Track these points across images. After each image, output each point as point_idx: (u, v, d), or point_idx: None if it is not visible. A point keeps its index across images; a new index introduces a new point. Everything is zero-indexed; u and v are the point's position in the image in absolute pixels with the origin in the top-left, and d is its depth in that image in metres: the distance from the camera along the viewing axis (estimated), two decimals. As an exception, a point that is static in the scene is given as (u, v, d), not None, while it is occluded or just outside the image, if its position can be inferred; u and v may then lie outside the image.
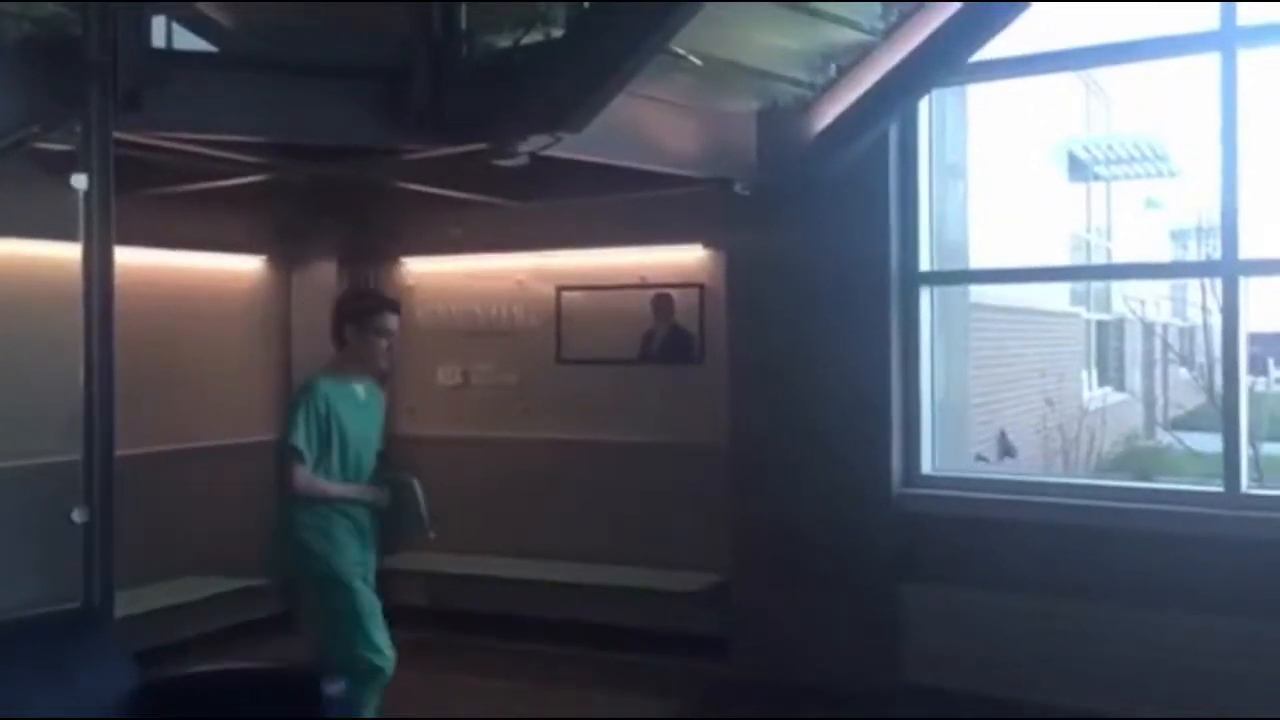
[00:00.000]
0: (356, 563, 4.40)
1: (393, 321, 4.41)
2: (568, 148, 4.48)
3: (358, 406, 4.43)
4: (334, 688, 3.53)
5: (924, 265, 5.56)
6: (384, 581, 6.83)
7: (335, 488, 4.34)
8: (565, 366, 6.53)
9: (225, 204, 5.94)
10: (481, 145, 4.45)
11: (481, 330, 6.76)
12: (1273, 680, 4.53)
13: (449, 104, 4.23)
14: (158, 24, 4.23)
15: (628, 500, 6.24)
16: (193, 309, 6.30)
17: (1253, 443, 5.17)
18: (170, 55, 4.29)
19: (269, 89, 4.20)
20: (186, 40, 4.50)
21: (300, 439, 4.25)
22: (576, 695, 5.67)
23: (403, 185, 5.79)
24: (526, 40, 4.31)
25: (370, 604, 4.38)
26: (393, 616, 6.33)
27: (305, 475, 4.27)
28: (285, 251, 6.79)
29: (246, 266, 6.70)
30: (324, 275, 6.82)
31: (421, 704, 5.56)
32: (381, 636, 4.37)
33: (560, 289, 6.55)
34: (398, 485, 4.50)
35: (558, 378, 6.55)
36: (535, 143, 4.42)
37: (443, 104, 4.17)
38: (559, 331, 6.55)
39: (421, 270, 6.98)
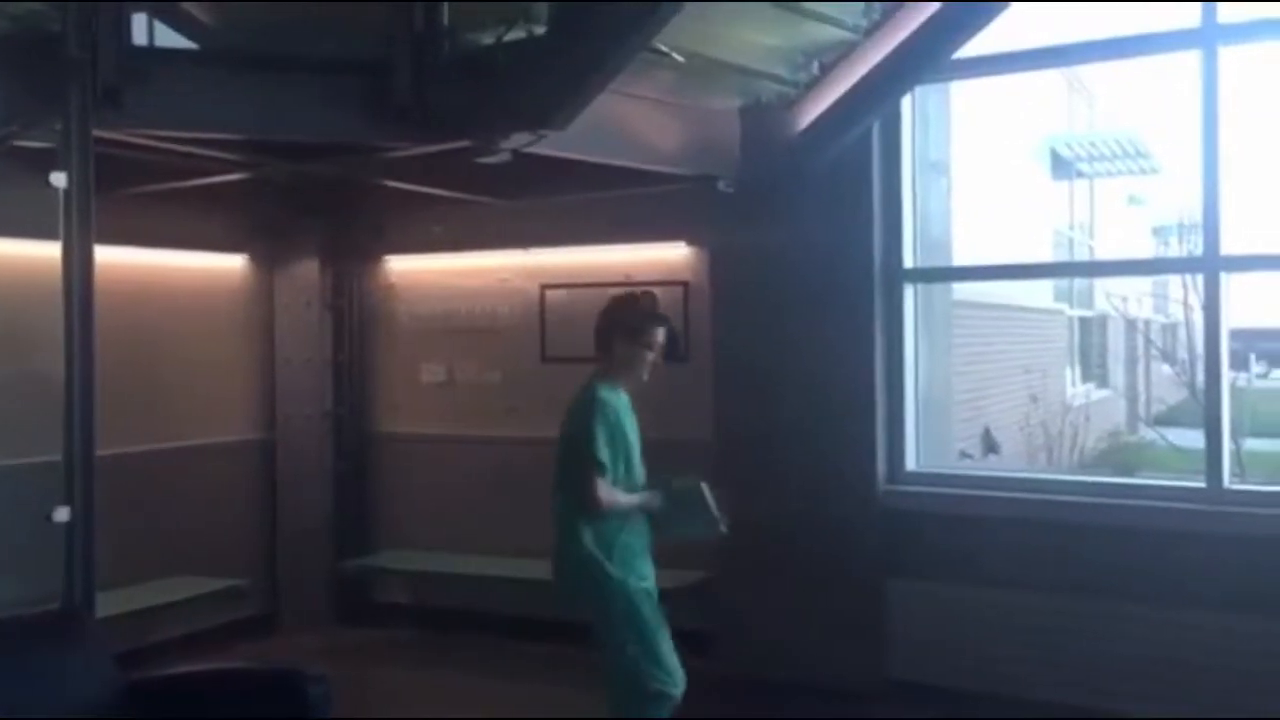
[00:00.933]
0: (643, 577, 4.20)
1: (661, 335, 4.28)
2: (551, 145, 4.48)
3: (630, 415, 4.31)
4: (318, 689, 3.51)
5: (908, 262, 5.57)
6: (366, 580, 6.89)
7: (630, 498, 4.18)
8: (549, 365, 6.52)
9: (206, 202, 5.92)
10: (464, 142, 4.44)
11: (465, 328, 6.74)
12: (1253, 674, 4.56)
13: (431, 101, 4.22)
14: (138, 21, 4.21)
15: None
16: (174, 308, 6.27)
17: (1234, 438, 5.18)
18: (151, 52, 4.27)
19: (250, 86, 4.18)
20: (167, 37, 4.48)
21: (602, 451, 4.07)
22: (560, 693, 5.67)
23: (385, 183, 5.77)
24: (509, 38, 4.30)
25: (659, 622, 4.18)
26: (377, 615, 6.32)
27: (607, 488, 4.07)
28: (267, 250, 6.76)
29: (228, 265, 6.67)
30: (306, 274, 6.80)
31: (406, 703, 5.56)
32: (671, 658, 4.15)
33: (544, 287, 6.54)
34: (682, 490, 4.30)
35: (542, 376, 6.53)
36: (518, 140, 4.41)
37: (425, 101, 4.16)
38: (543, 330, 6.53)
39: (404, 268, 6.95)
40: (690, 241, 6.13)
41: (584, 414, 4.15)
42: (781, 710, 5.34)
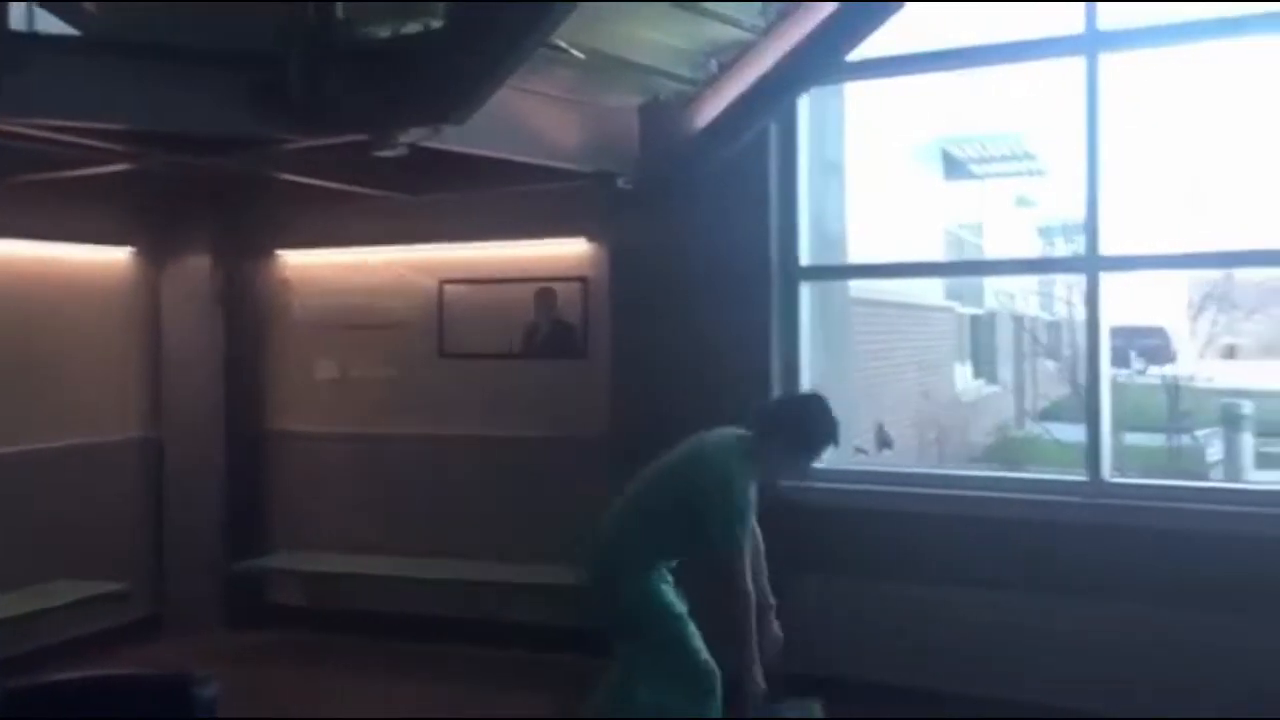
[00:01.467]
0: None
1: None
2: (449, 140, 4.44)
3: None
4: (207, 691, 3.43)
5: (804, 260, 5.65)
6: (259, 581, 6.76)
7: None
8: (447, 361, 6.47)
9: (90, 193, 5.74)
10: (360, 136, 4.38)
11: (361, 324, 6.64)
12: (1136, 660, 4.71)
13: (326, 94, 4.14)
14: (17, 7, 4.05)
15: (511, 495, 6.20)
16: (54, 302, 6.07)
17: (1114, 432, 5.36)
18: (31, 39, 4.11)
19: (135, 75, 4.05)
20: (49, 24, 4.33)
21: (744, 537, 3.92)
22: (460, 693, 5.63)
23: (280, 176, 5.65)
24: (406, 31, 4.25)
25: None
26: (270, 617, 6.19)
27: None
28: (155, 243, 6.57)
29: (113, 258, 6.46)
30: (197, 268, 6.64)
31: (298, 706, 5.45)
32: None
33: (443, 282, 6.48)
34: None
35: (440, 372, 6.48)
36: (416, 134, 4.36)
37: (319, 94, 4.08)
38: (441, 325, 6.47)
39: (300, 263, 6.82)
40: (590, 238, 6.13)
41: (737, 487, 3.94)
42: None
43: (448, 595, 6.25)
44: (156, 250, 6.59)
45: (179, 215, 6.54)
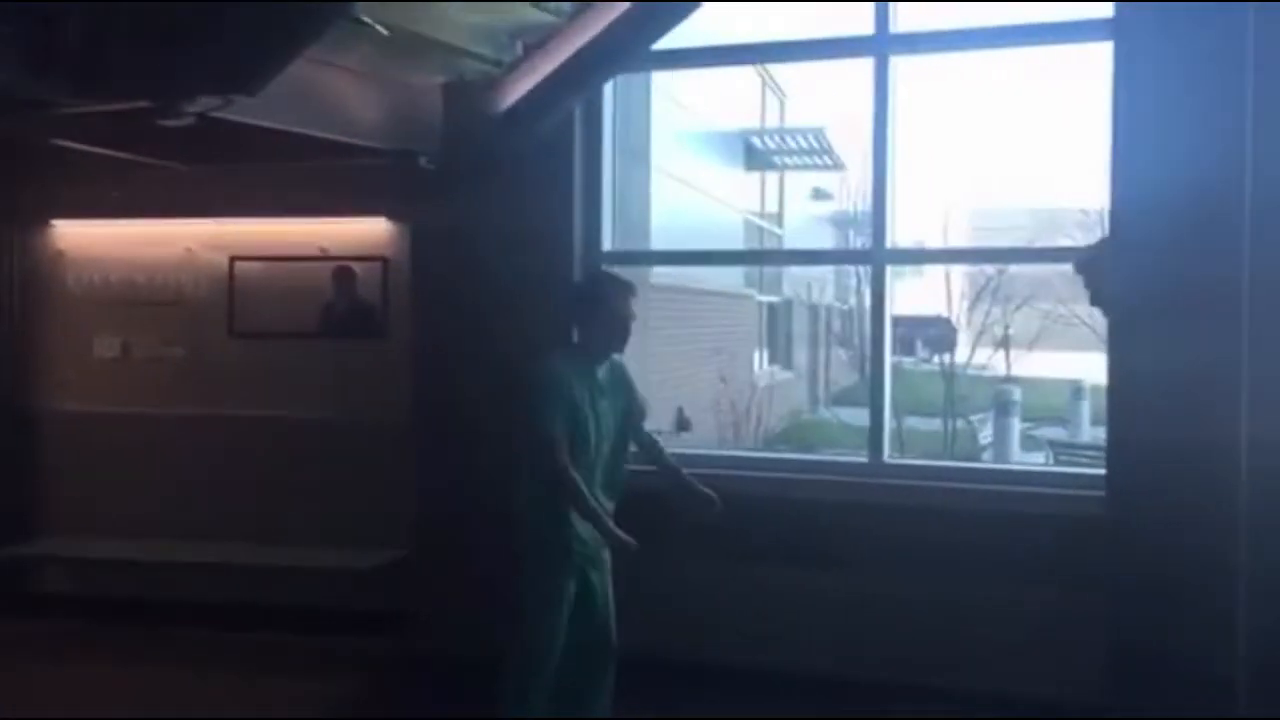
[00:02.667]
0: None
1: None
2: (241, 111, 4.27)
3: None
4: None
5: (606, 245, 5.70)
6: (23, 569, 6.37)
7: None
8: (239, 340, 6.25)
9: None
10: (144, 103, 4.16)
11: (145, 300, 6.35)
12: (920, 632, 4.99)
13: (108, 57, 3.92)
14: None
15: (306, 478, 6.05)
16: None
17: (896, 416, 5.64)
18: None
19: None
20: None
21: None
22: (242, 680, 5.47)
23: (54, 142, 5.31)
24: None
25: None
26: (36, 605, 5.85)
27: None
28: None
29: None
30: (-40, 235, 6.20)
31: (62, 697, 5.17)
32: None
33: (234, 259, 6.25)
34: None
35: (231, 351, 6.26)
36: (205, 104, 4.17)
37: (99, 56, 3.86)
38: (231, 303, 6.25)
39: (76, 234, 6.46)
40: (390, 217, 6.02)
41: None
42: (476, 687, 5.35)
43: (234, 581, 6.04)
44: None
45: (-60, 179, 6.09)
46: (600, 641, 4.30)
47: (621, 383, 4.34)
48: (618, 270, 4.83)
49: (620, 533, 4.03)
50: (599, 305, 4.24)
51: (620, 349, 4.29)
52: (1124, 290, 4.55)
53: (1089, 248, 4.98)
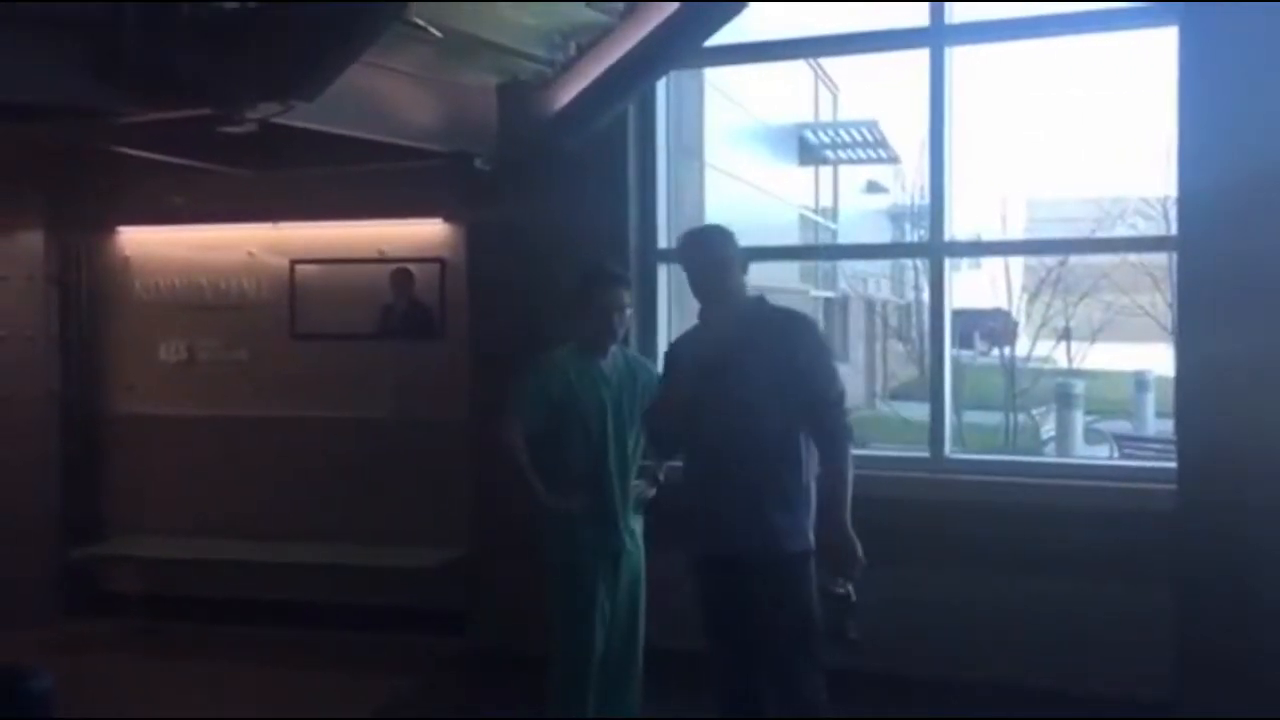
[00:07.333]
0: None
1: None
2: (300, 116, 4.32)
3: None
4: (40, 683, 3.30)
5: (661, 243, 5.69)
6: (98, 569, 6.50)
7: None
8: (300, 342, 6.33)
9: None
10: (205, 110, 4.23)
11: (209, 304, 6.46)
12: (978, 626, 4.93)
13: (172, 64, 3.99)
14: None
15: (366, 478, 6.11)
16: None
17: (956, 411, 5.58)
18: None
19: (-41, 39, 3.83)
20: None
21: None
22: (313, 677, 5.54)
23: (119, 150, 5.42)
24: (255, 2, 4.11)
25: None
26: (110, 605, 5.93)
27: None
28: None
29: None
30: (28, 245, 6.35)
31: (137, 695, 5.28)
32: None
33: (294, 262, 6.33)
34: None
35: (292, 353, 6.34)
36: (265, 110, 4.23)
37: (160, 64, 3.93)
38: (293, 306, 6.33)
39: (141, 240, 6.58)
40: (447, 218, 6.06)
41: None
42: (537, 684, 5.38)
43: (300, 579, 6.13)
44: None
45: (9, 190, 6.21)
46: (614, 649, 4.30)
47: (633, 375, 4.33)
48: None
49: (553, 499, 4.14)
50: (583, 298, 4.25)
51: (606, 341, 4.27)
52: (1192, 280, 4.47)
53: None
